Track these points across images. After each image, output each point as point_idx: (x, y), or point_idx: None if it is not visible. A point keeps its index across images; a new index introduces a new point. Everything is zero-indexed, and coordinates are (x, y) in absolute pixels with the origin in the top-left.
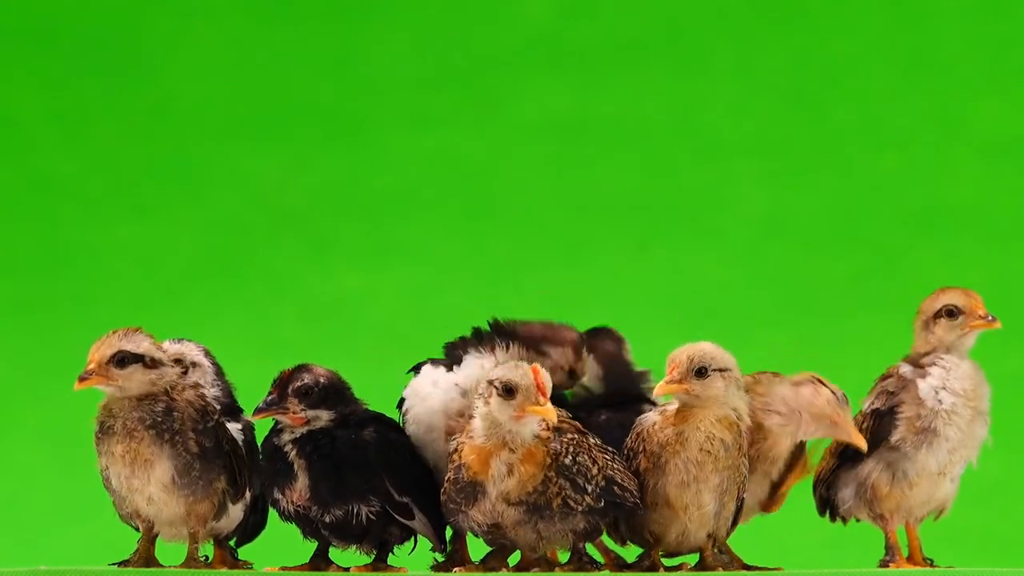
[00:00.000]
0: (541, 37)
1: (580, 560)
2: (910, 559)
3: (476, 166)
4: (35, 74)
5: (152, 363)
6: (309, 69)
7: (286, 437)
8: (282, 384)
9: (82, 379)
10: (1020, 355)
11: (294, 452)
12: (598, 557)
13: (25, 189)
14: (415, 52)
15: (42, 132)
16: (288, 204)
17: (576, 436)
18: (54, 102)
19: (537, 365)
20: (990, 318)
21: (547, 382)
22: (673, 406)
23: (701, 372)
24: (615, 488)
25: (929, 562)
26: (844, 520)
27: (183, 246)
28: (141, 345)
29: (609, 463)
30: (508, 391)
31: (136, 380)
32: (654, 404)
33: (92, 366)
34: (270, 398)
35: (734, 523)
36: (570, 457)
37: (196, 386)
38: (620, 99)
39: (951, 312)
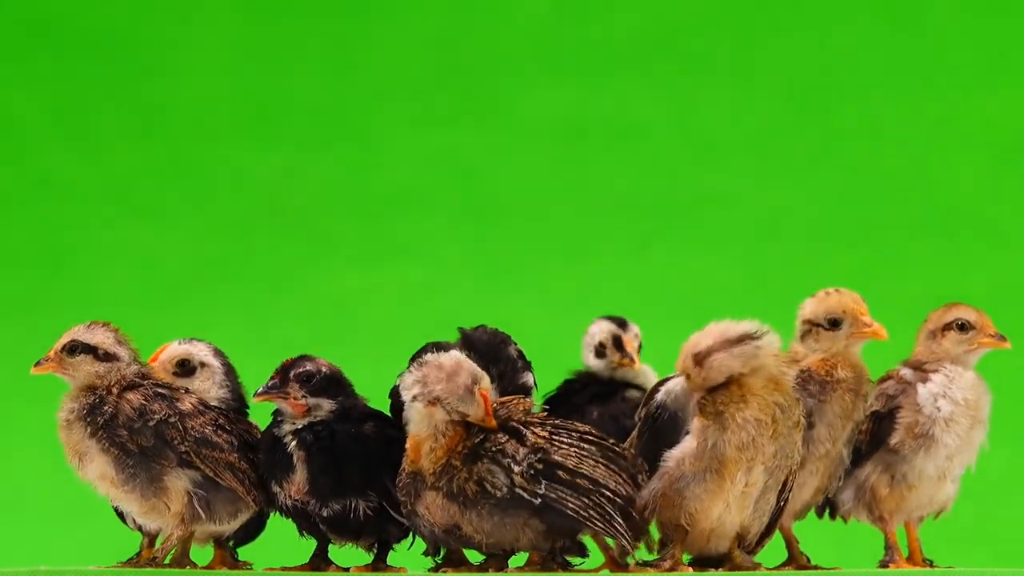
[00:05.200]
0: (541, 37)
1: (552, 559)
2: (910, 559)
3: (476, 166)
4: (35, 74)
5: (104, 356)
6: (309, 69)
7: (286, 428)
8: (284, 370)
9: (37, 364)
10: (1020, 355)
11: (294, 443)
12: (598, 557)
13: (25, 189)
14: (415, 52)
15: (42, 132)
16: (288, 204)
17: (502, 428)
18: (54, 102)
19: (487, 391)
20: (1000, 337)
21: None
22: None
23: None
24: (559, 472)
25: (929, 563)
26: (844, 519)
27: (183, 246)
28: (96, 337)
29: (562, 447)
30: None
31: (83, 370)
32: (638, 388)
33: (50, 353)
34: (271, 382)
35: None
36: (489, 442)
37: (146, 386)
38: (620, 99)
39: (962, 326)
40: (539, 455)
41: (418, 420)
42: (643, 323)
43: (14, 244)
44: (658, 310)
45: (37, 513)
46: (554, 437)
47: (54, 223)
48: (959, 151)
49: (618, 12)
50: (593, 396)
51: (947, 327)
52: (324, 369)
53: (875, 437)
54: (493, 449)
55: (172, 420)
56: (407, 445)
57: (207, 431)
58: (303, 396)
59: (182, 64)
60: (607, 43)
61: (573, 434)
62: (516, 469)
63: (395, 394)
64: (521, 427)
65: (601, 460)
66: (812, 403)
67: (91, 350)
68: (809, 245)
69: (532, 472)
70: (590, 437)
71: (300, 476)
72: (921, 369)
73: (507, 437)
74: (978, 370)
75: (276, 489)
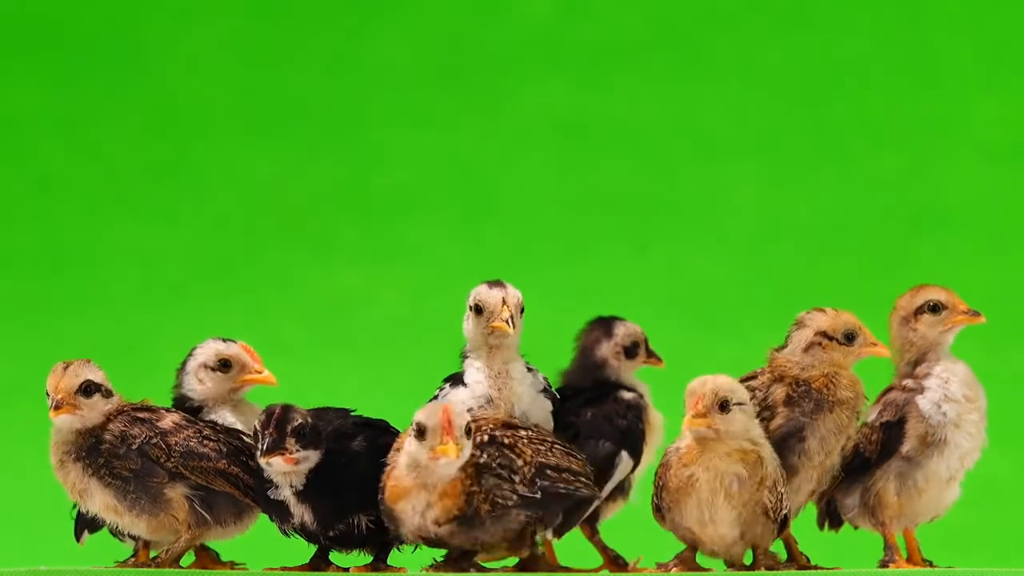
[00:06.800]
0: (541, 37)
1: (522, 542)
2: (909, 559)
3: (476, 166)
4: (35, 74)
5: (107, 392)
6: (309, 69)
7: (287, 493)
8: (279, 424)
9: (57, 407)
10: (1020, 355)
11: (294, 500)
12: (597, 557)
13: (25, 189)
14: (415, 52)
15: (42, 132)
16: (288, 204)
17: (497, 445)
18: (54, 102)
19: (448, 403)
20: (973, 312)
21: (456, 420)
22: (686, 441)
23: (724, 406)
24: (548, 472)
25: (928, 563)
26: (850, 525)
27: (183, 246)
28: (98, 374)
29: (543, 451)
30: (419, 432)
31: (97, 409)
32: (631, 390)
33: (61, 396)
34: (271, 440)
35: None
36: (487, 458)
37: (126, 412)
38: (620, 99)
39: (934, 307)
40: (532, 464)
41: (403, 463)
42: (643, 324)
43: (14, 244)
44: (658, 310)
45: (37, 513)
46: (535, 446)
47: (54, 223)
48: (959, 151)
49: (618, 12)
50: (587, 400)
51: (919, 311)
52: (309, 419)
53: (885, 447)
54: (494, 464)
55: (154, 440)
56: (388, 483)
57: (192, 443)
58: (297, 450)
59: (182, 64)
60: (607, 43)
61: (545, 441)
62: (516, 479)
63: None
64: (513, 442)
65: (572, 457)
66: (805, 421)
67: (98, 388)
68: (809, 245)
69: (529, 476)
70: (558, 444)
71: (302, 519)
72: (914, 376)
73: (500, 451)
74: (977, 370)
75: (275, 520)
